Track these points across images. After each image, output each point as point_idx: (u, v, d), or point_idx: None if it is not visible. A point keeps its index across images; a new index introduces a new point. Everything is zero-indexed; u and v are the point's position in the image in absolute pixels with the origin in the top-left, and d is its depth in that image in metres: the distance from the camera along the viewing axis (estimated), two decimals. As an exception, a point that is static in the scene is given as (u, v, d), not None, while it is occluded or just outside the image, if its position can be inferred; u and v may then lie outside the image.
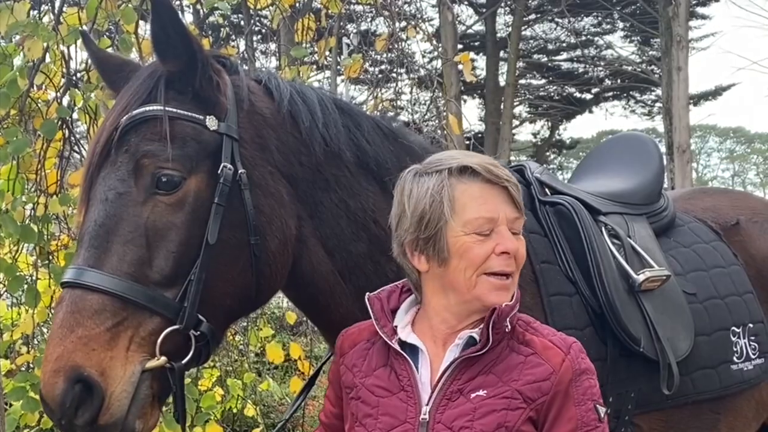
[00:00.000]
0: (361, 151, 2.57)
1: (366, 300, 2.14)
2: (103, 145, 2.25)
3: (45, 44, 3.89)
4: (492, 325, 1.98)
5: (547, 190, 3.00)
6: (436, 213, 1.99)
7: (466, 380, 1.98)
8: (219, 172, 2.24)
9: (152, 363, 2.10)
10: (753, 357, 3.18)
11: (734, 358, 3.11)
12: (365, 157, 2.57)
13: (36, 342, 4.83)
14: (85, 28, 4.08)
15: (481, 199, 1.99)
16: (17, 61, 3.96)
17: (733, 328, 3.15)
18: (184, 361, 2.16)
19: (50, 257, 4.15)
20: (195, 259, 2.17)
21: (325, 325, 2.64)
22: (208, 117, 2.29)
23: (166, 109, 2.24)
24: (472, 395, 1.96)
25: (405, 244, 2.07)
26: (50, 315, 4.05)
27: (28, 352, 4.85)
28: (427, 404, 1.98)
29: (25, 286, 4.05)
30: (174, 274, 2.16)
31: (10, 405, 3.99)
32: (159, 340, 2.10)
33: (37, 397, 3.07)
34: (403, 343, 2.05)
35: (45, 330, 4.88)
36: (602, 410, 2.01)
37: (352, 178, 2.54)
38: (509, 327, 2.02)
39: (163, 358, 2.11)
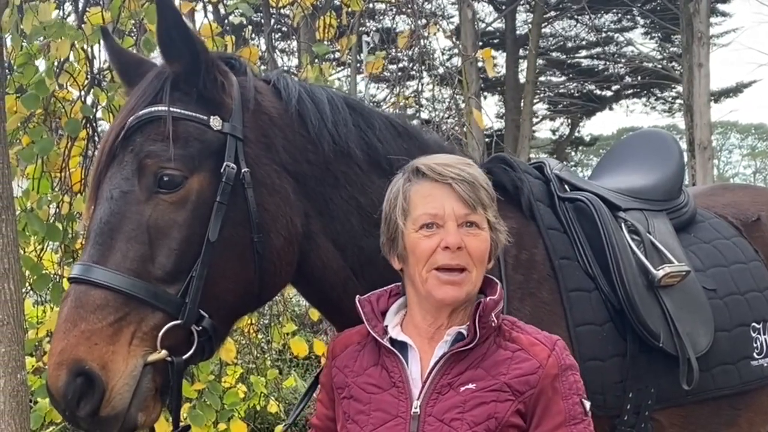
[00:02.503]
0: (372, 149, 2.59)
1: (357, 302, 2.21)
2: (110, 145, 2.29)
3: (72, 43, 3.93)
4: (478, 319, 2.05)
5: (566, 186, 3.00)
6: (394, 214, 2.13)
7: (456, 375, 2.05)
8: (222, 170, 2.27)
9: (153, 356, 2.14)
10: (773, 353, 3.17)
11: (754, 354, 3.10)
12: (376, 155, 2.59)
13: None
14: (108, 27, 4.13)
15: (429, 198, 2.09)
16: (41, 62, 4.00)
17: (753, 324, 3.13)
18: (186, 356, 2.20)
19: (75, 255, 4.19)
20: (197, 256, 2.20)
21: (339, 321, 2.64)
22: (212, 117, 2.33)
23: (171, 109, 2.28)
24: (462, 389, 2.03)
25: (383, 244, 2.20)
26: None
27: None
28: (418, 398, 2.04)
29: (51, 284, 4.09)
30: (176, 270, 2.20)
31: (36, 402, 4.05)
32: (160, 335, 2.14)
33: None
34: (393, 342, 2.12)
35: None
36: (587, 404, 2.09)
37: (363, 175, 2.56)
38: (495, 322, 2.09)
39: (164, 352, 2.14)
